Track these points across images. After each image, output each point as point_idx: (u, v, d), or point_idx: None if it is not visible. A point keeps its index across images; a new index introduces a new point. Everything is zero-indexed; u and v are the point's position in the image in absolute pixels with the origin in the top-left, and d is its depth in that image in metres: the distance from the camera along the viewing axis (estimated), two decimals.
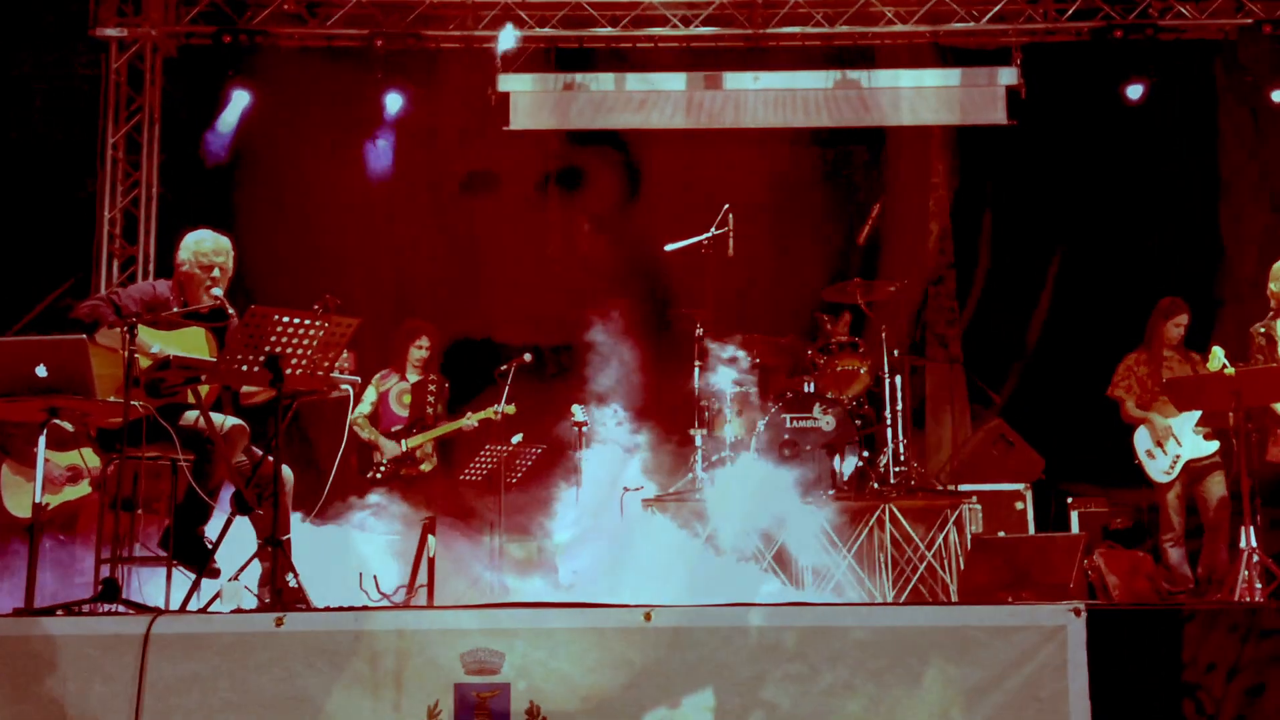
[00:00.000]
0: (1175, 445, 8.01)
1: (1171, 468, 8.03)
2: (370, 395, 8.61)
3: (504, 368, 8.57)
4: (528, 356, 8.63)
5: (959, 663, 4.53)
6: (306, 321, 5.47)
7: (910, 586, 7.98)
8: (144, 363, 5.64)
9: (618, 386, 9.13)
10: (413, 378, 8.75)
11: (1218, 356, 7.24)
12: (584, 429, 8.49)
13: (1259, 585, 6.78)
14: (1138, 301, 8.65)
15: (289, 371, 5.50)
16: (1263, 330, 7.71)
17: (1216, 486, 7.97)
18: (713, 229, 8.60)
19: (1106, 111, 10.12)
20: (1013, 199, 10.40)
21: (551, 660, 4.62)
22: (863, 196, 9.38)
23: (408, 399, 8.67)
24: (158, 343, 5.74)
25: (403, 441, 8.50)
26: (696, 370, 8.67)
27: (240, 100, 10.00)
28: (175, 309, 6.02)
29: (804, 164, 10.27)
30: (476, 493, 8.44)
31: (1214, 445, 7.93)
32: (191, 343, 5.94)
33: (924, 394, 10.39)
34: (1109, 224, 10.19)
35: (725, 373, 8.66)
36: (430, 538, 6.90)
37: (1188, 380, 7.64)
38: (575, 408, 8.57)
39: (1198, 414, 7.84)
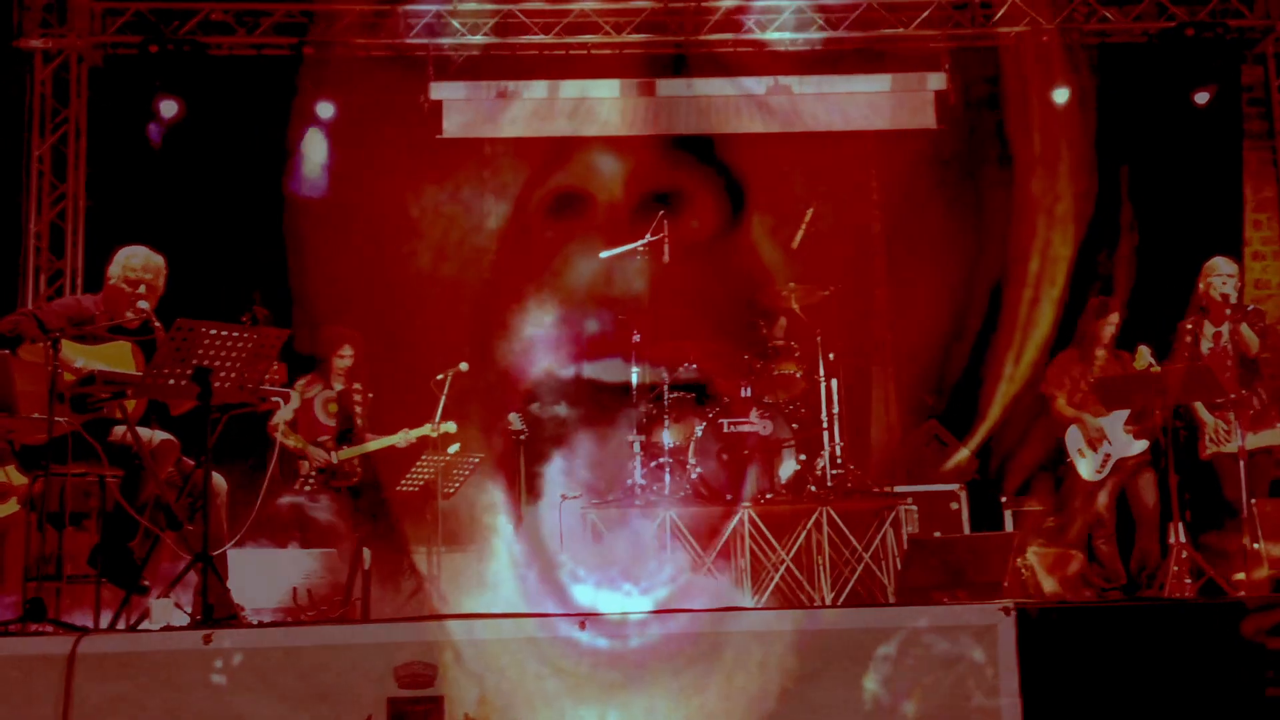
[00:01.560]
0: (1107, 444, 8.11)
1: (1103, 466, 8.13)
2: (294, 401, 8.40)
3: (439, 376, 8.46)
4: (464, 365, 8.54)
5: (891, 664, 4.56)
6: (235, 334, 5.42)
7: (849, 588, 8.03)
8: (69, 377, 5.56)
9: (555, 394, 9.12)
10: (338, 386, 8.58)
11: (1144, 355, 7.35)
12: (521, 438, 8.44)
13: (1188, 580, 6.91)
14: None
15: (218, 384, 5.44)
16: (1190, 328, 7.84)
17: (1147, 483, 8.07)
18: (648, 235, 8.61)
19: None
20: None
21: (486, 672, 4.59)
22: (799, 201, 9.39)
23: (333, 408, 8.44)
24: (81, 357, 5.65)
25: (333, 454, 8.33)
26: (634, 376, 8.66)
27: (168, 110, 9.86)
28: (101, 323, 5.94)
29: (739, 168, 10.26)
30: (412, 504, 8.36)
31: (1143, 444, 8.04)
32: (116, 357, 5.86)
33: (860, 397, 10.42)
34: None
35: (662, 378, 8.67)
36: (365, 550, 6.86)
37: (1115, 379, 7.76)
38: (512, 416, 8.51)
39: (1126, 412, 7.96)
